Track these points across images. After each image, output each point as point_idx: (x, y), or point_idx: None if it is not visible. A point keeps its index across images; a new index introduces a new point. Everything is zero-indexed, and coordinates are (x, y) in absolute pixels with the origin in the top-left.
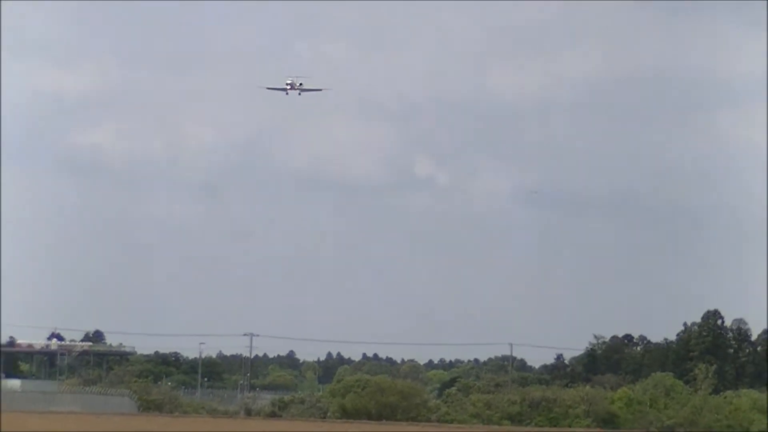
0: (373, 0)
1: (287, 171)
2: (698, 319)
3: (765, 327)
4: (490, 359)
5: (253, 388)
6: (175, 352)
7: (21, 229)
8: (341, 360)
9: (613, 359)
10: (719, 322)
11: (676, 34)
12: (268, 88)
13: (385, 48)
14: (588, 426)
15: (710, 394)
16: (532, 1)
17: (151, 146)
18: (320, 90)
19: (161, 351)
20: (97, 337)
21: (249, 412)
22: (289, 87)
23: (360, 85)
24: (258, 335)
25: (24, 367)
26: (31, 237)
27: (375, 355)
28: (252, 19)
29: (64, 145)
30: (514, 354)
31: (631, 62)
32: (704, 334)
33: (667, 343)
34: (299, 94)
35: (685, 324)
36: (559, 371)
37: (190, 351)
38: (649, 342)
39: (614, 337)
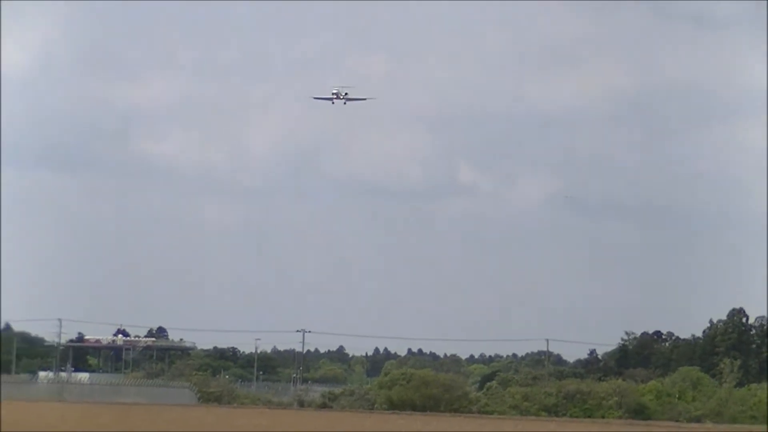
0: (414, 18)
1: (337, 177)
2: (724, 317)
3: None
4: (527, 354)
5: (305, 381)
6: (233, 347)
7: (93, 233)
8: (388, 355)
9: (644, 354)
10: (743, 319)
11: (698, 48)
12: (315, 98)
13: (426, 62)
14: (620, 417)
15: (735, 387)
16: (564, 18)
17: (214, 154)
18: (365, 99)
19: (220, 346)
20: (160, 333)
21: (302, 404)
22: (335, 96)
23: (403, 97)
24: (310, 331)
25: (92, 361)
26: (101, 240)
27: (419, 350)
28: (302, 33)
29: (135, 154)
30: (550, 349)
31: (655, 75)
32: (729, 330)
33: (695, 339)
34: (345, 103)
35: (711, 321)
36: (592, 365)
37: (246, 346)
38: (677, 338)
39: (644, 334)
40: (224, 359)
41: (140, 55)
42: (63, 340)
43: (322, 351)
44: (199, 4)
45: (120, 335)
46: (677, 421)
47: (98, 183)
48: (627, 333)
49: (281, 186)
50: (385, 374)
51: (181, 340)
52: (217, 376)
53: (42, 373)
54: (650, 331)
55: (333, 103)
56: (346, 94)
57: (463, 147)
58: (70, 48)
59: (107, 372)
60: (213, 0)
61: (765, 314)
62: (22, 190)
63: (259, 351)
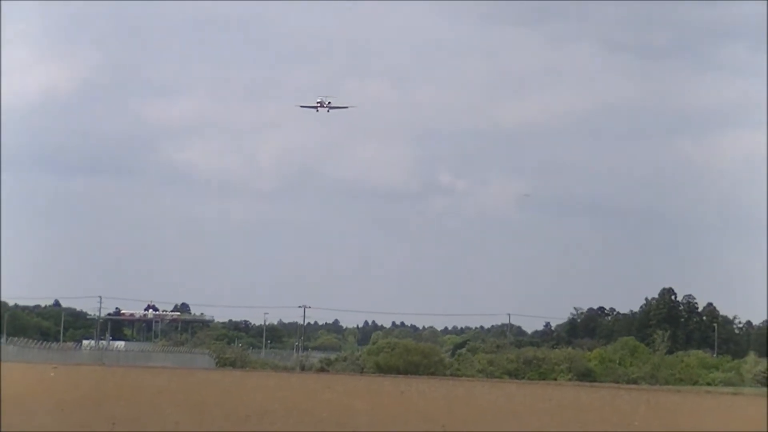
0: (403, 49)
1: (335, 180)
2: (656, 295)
3: (708, 301)
4: (492, 326)
5: (305, 348)
6: (245, 320)
7: (129, 227)
8: (376, 326)
9: (590, 326)
10: (672, 297)
11: (639, 74)
12: (302, 106)
13: (413, 85)
14: (570, 379)
15: (666, 354)
16: (527, 49)
17: (231, 161)
18: (346, 107)
19: (234, 319)
20: (183, 308)
21: (303, 368)
22: (319, 105)
23: (393, 114)
24: (310, 307)
25: (127, 331)
26: (135, 233)
27: (402, 323)
28: (307, 59)
29: (163, 162)
30: (511, 322)
31: (603, 96)
32: (661, 306)
33: (632, 314)
34: (328, 111)
35: (646, 298)
36: (547, 336)
37: (256, 319)
38: (618, 312)
39: (590, 309)
40: (238, 330)
41: (168, 78)
42: (103, 314)
43: (320, 323)
44: (218, 37)
45: (150, 310)
46: (618, 382)
47: (132, 186)
48: (576, 309)
49: (288, 188)
50: (374, 343)
51: (201, 314)
52: (232, 344)
53: (85, 342)
54: (595, 307)
55: (317, 111)
56: (329, 102)
57: (443, 156)
58: (109, 72)
59: (140, 341)
60: (229, 32)
61: (691, 293)
62: (68, 193)
63: (267, 323)
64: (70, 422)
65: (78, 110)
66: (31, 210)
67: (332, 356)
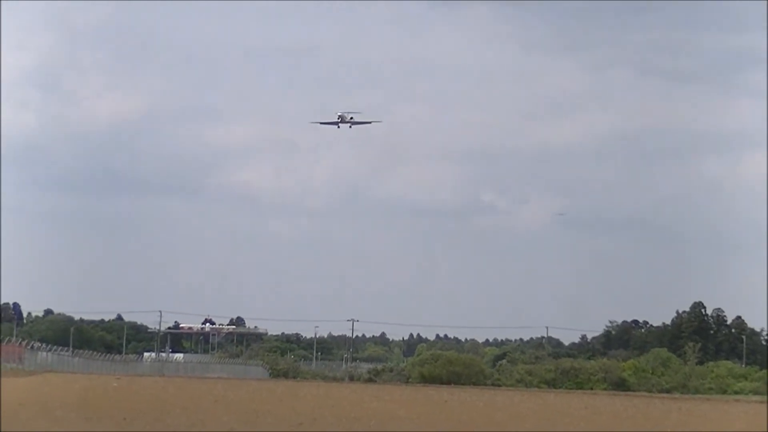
0: (446, 76)
1: (383, 199)
2: (687, 308)
3: (737, 314)
4: (531, 339)
5: (354, 360)
6: (297, 333)
7: (189, 244)
8: (420, 339)
9: (624, 338)
10: (702, 310)
11: (669, 98)
12: (321, 123)
13: (455, 110)
14: (605, 389)
15: (696, 364)
16: (564, 75)
17: (285, 181)
18: (370, 123)
19: (287, 332)
20: (239, 322)
21: (351, 378)
22: (339, 120)
23: (436, 138)
24: (358, 320)
25: (186, 344)
26: (195, 249)
27: (445, 335)
28: (356, 84)
29: (224, 181)
30: (549, 335)
31: (636, 119)
32: (692, 319)
33: (664, 326)
34: (350, 127)
35: (677, 311)
36: (583, 347)
37: (307, 332)
38: (650, 325)
39: (624, 322)
40: (290, 342)
41: (228, 105)
42: (163, 328)
43: (368, 336)
44: (272, 65)
45: (208, 324)
46: (650, 392)
47: (193, 205)
48: (611, 321)
49: (338, 206)
50: (418, 355)
51: (255, 327)
52: (285, 356)
53: (146, 354)
54: (629, 320)
55: (338, 127)
56: (351, 118)
57: (484, 176)
58: (174, 99)
59: (198, 353)
60: (281, 61)
61: (721, 306)
62: (133, 212)
63: (317, 336)
64: (133, 428)
65: (144, 134)
66: (99, 229)
67: (379, 367)
